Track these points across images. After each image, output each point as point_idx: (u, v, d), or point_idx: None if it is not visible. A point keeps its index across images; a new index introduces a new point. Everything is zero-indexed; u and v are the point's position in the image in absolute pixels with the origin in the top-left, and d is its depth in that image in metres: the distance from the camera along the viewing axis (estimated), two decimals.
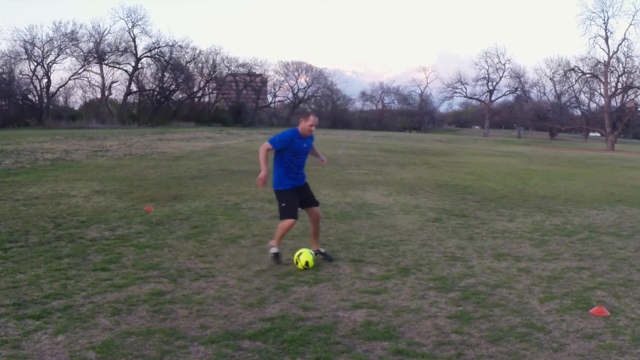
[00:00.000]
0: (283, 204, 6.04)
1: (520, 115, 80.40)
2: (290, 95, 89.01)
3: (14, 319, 4.26)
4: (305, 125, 6.01)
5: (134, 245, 6.68)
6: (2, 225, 7.56)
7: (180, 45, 67.22)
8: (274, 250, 6.08)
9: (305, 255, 5.91)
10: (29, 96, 56.40)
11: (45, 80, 57.41)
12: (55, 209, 8.95)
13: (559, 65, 69.91)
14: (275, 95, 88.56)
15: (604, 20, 61.58)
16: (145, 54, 64.46)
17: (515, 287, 5.54)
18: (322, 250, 6.40)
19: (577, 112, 77.34)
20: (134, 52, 63.52)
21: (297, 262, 5.91)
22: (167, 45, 65.33)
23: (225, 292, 5.09)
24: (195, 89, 74.36)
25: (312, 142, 6.25)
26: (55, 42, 57.54)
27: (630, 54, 57.50)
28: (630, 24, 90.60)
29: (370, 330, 4.31)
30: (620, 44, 56.37)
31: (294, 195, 6.10)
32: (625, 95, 62.45)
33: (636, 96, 62.41)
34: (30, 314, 4.38)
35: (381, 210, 9.81)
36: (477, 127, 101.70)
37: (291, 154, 6.04)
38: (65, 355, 3.69)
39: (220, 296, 4.98)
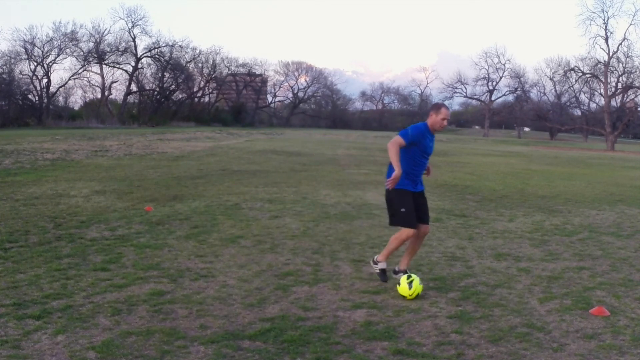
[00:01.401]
0: (403, 209, 5.15)
1: (520, 115, 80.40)
2: (290, 95, 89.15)
3: (14, 319, 4.26)
4: (436, 119, 5.21)
5: (134, 245, 6.68)
6: (2, 225, 7.56)
7: (180, 45, 67.30)
8: (381, 266, 5.42)
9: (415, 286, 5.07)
10: (29, 96, 56.39)
11: (45, 80, 57.48)
12: (55, 209, 8.95)
13: (559, 65, 69.95)
14: (275, 95, 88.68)
15: (604, 20, 61.64)
16: (145, 54, 64.50)
17: (515, 287, 5.54)
18: (407, 272, 5.45)
19: (577, 112, 77.40)
20: (134, 52, 63.54)
21: (408, 289, 5.05)
22: (167, 45, 65.39)
23: (225, 292, 5.09)
24: (195, 89, 74.40)
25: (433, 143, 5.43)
26: (55, 42, 57.62)
27: (630, 54, 57.57)
28: (630, 24, 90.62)
29: (370, 330, 4.31)
30: (620, 44, 56.43)
31: (412, 200, 5.22)
32: (625, 95, 62.47)
33: (636, 96, 62.48)
34: (30, 314, 4.38)
35: (381, 210, 9.80)
36: (477, 127, 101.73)
37: (419, 152, 5.22)
38: (65, 355, 3.69)
39: (220, 296, 4.98)
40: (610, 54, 56.59)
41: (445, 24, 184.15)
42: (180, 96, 72.55)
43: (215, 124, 66.17)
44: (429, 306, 4.90)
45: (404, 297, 5.04)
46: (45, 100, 57.10)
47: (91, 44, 60.65)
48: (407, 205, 5.16)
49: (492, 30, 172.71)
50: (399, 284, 5.12)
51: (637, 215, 10.50)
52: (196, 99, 76.04)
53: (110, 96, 66.35)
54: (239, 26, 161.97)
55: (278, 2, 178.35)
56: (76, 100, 69.66)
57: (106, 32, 74.21)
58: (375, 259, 5.55)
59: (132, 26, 63.13)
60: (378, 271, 5.46)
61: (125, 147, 23.90)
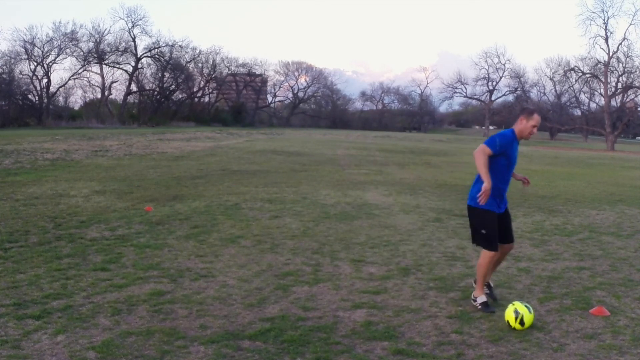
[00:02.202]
0: (484, 231, 4.73)
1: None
2: (290, 95, 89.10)
3: (14, 319, 4.27)
4: (526, 125, 4.70)
5: (134, 245, 6.68)
6: (2, 225, 7.56)
7: (180, 45, 67.22)
8: (480, 300, 4.83)
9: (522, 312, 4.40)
10: (29, 96, 56.36)
11: (45, 80, 57.45)
12: (55, 209, 8.95)
13: (559, 65, 69.91)
14: (275, 95, 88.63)
15: (604, 20, 61.69)
16: (145, 54, 64.46)
17: (515, 287, 5.54)
18: (491, 284, 5.23)
19: (577, 112, 77.40)
20: (134, 52, 63.51)
21: (515, 318, 4.39)
22: (167, 45, 65.33)
23: (225, 292, 5.09)
24: (195, 89, 74.35)
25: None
26: (55, 42, 57.57)
27: (630, 54, 57.58)
28: (630, 24, 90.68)
29: (370, 330, 4.31)
30: (620, 44, 56.43)
31: (496, 221, 4.77)
32: (625, 95, 62.45)
33: (636, 96, 62.47)
34: (30, 314, 4.38)
35: (381, 210, 9.81)
36: (476, 127, 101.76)
37: (506, 164, 4.70)
38: (65, 355, 3.69)
39: (220, 296, 4.98)
40: (610, 54, 56.60)
41: (445, 24, 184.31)
42: (180, 96, 72.54)
43: (215, 124, 66.12)
44: (429, 306, 4.90)
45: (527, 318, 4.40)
46: (45, 100, 57.07)
47: (91, 44, 60.69)
48: (489, 227, 4.73)
49: (492, 30, 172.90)
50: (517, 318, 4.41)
51: (637, 215, 10.50)
52: (196, 99, 76.01)
53: (110, 96, 66.41)
54: (239, 26, 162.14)
55: (278, 2, 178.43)
56: (76, 100, 69.73)
57: (106, 32, 74.34)
58: (473, 296, 4.93)
59: (132, 26, 63.17)
60: (480, 307, 4.81)
61: (125, 147, 23.89)
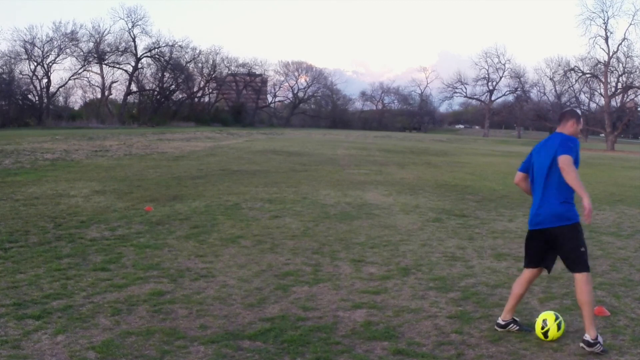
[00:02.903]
0: (583, 249, 4.16)
1: (520, 115, 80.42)
2: (290, 95, 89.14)
3: (14, 319, 4.27)
4: (577, 129, 4.38)
5: (134, 245, 6.68)
6: (2, 225, 7.56)
7: (180, 45, 67.13)
8: (600, 339, 4.07)
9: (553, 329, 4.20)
10: (29, 96, 56.30)
11: (45, 80, 57.35)
12: (55, 209, 8.95)
13: (559, 65, 69.90)
14: (275, 95, 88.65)
15: (604, 20, 61.60)
16: (145, 54, 64.40)
17: None
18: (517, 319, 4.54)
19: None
20: (134, 52, 63.45)
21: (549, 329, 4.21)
22: (167, 45, 65.23)
23: (225, 292, 5.09)
24: (195, 89, 74.31)
25: None
26: (55, 42, 57.46)
27: (630, 54, 57.59)
28: (630, 24, 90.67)
29: (370, 330, 4.31)
30: (620, 44, 56.45)
31: None
32: (625, 95, 62.48)
33: (636, 96, 62.54)
34: (30, 314, 4.38)
35: (381, 210, 9.81)
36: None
37: (578, 168, 4.19)
38: (65, 355, 3.69)
39: (220, 296, 4.98)
40: (610, 54, 56.62)
41: (445, 24, 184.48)
42: (180, 96, 72.49)
43: (215, 124, 66.05)
44: (429, 306, 4.90)
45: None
46: (45, 100, 57.01)
47: (91, 44, 60.60)
48: (584, 242, 4.22)
49: (492, 30, 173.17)
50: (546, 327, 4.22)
51: (637, 215, 10.50)
52: (196, 99, 76.00)
53: (110, 96, 66.36)
54: (239, 26, 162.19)
55: (278, 2, 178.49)
56: (76, 100, 69.64)
57: (106, 32, 74.20)
58: (589, 340, 4.03)
59: (132, 26, 63.04)
60: (601, 350, 4.02)
61: (125, 147, 23.88)
